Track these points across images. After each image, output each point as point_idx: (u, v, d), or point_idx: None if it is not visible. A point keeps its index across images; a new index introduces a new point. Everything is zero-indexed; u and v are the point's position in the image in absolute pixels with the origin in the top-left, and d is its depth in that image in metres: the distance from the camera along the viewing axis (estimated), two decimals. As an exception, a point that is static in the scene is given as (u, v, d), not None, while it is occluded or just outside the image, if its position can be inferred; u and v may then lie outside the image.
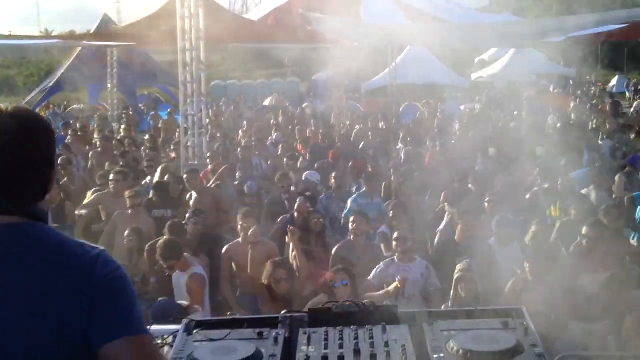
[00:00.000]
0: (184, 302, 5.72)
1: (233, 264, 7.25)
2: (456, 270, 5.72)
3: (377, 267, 6.41)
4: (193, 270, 6.36)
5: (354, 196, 9.16)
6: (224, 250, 7.26)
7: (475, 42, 16.76)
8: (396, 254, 6.48)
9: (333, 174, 9.86)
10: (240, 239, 7.24)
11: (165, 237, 6.75)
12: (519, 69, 32.50)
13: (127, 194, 8.42)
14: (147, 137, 15.51)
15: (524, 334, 2.36)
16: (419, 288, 6.23)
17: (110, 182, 9.14)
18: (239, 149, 12.57)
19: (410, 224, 7.51)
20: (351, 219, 7.27)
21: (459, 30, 14.26)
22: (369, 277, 6.32)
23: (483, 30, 14.49)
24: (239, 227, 7.22)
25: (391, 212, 7.79)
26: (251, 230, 6.97)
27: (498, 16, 20.95)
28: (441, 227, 8.08)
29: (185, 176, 9.55)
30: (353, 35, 15.87)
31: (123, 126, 18.50)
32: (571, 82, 38.08)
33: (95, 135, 16.26)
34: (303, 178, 9.93)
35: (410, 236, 6.55)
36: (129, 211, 8.30)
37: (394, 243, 6.52)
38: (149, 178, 10.81)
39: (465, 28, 14.36)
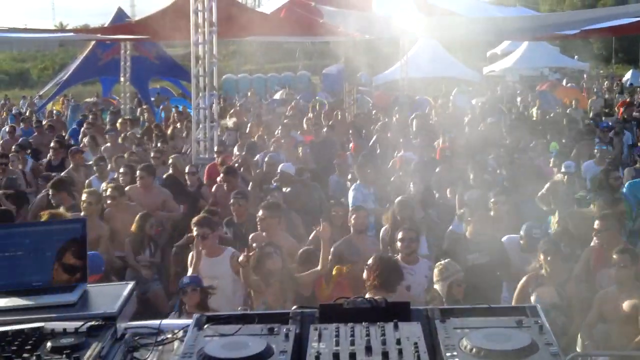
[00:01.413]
0: None
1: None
2: (447, 272, 5.66)
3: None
4: (231, 250, 6.58)
5: (355, 185, 9.05)
6: (250, 238, 7.21)
7: (488, 35, 16.64)
8: (400, 255, 6.38)
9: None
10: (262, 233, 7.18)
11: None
12: (531, 63, 32.36)
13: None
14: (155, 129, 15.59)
15: (539, 332, 2.32)
16: (423, 291, 6.14)
17: (137, 178, 9.15)
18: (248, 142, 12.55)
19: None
20: (352, 215, 7.12)
21: (471, 23, 14.16)
22: None
23: (495, 24, 14.40)
24: (259, 220, 7.16)
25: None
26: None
27: (511, 9, 20.86)
28: (453, 223, 8.10)
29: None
30: (365, 28, 15.81)
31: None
32: (585, 76, 37.86)
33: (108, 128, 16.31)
34: (278, 170, 9.75)
35: (415, 235, 6.43)
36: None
37: (399, 243, 6.40)
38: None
39: (478, 21, 14.27)
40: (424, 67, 25.19)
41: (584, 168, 10.69)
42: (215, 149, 11.49)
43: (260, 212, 7.11)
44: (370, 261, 5.62)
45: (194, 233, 6.54)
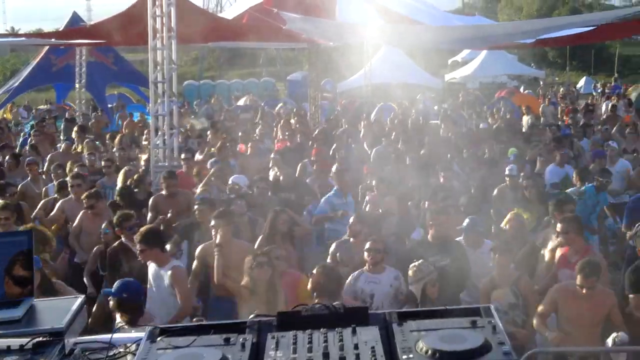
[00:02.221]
0: None
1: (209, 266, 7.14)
2: (421, 274, 5.73)
3: (348, 279, 6.34)
4: (175, 262, 6.58)
5: (327, 195, 9.11)
6: (197, 250, 7.19)
7: (448, 43, 16.88)
8: (366, 265, 6.44)
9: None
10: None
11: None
12: (490, 71, 33.06)
13: (83, 196, 8.56)
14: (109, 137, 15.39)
15: (492, 332, 2.37)
16: (389, 300, 6.19)
17: (70, 187, 9.05)
18: (213, 149, 12.48)
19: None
20: (351, 220, 7.27)
21: (433, 32, 14.34)
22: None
23: (456, 32, 14.60)
24: (213, 227, 7.11)
25: None
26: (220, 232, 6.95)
27: (470, 18, 21.20)
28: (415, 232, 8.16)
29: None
30: (328, 35, 15.86)
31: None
32: (541, 83, 38.79)
33: (61, 137, 16.05)
34: (230, 181, 9.70)
35: (382, 247, 6.46)
36: (89, 212, 8.48)
37: (365, 254, 6.44)
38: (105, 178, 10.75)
39: (439, 29, 14.45)
40: (387, 74, 25.44)
41: (547, 171, 10.96)
42: (183, 156, 11.38)
43: (213, 221, 7.07)
44: (314, 270, 5.69)
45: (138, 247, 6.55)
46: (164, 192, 9.16)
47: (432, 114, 20.90)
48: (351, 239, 7.19)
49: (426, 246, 6.85)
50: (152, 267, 6.55)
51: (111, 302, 5.37)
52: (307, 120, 18.06)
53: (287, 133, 14.29)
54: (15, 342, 2.23)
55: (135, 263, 6.90)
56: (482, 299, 6.17)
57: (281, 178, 10.17)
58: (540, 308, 5.92)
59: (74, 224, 8.75)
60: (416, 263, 5.91)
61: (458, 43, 17.66)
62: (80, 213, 8.71)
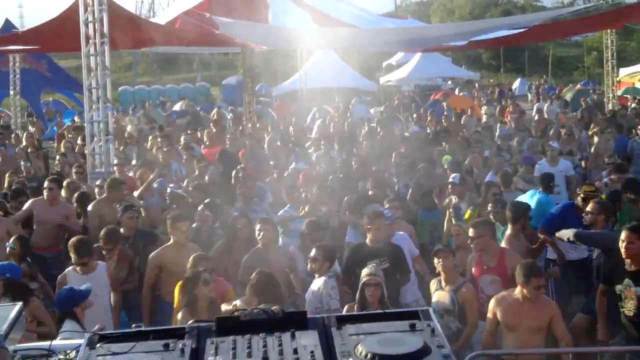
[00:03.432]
0: None
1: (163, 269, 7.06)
2: (363, 275, 5.70)
3: (320, 282, 6.30)
4: (102, 264, 6.71)
5: (282, 210, 8.95)
6: (151, 256, 7.08)
7: (383, 45, 17.06)
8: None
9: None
10: (170, 243, 7.10)
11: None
12: (425, 73, 33.48)
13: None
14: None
15: (431, 335, 2.40)
16: (310, 309, 6.08)
17: (44, 190, 8.86)
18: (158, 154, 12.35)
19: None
20: (257, 227, 7.08)
21: (367, 35, 14.45)
22: None
23: (390, 35, 14.76)
24: (170, 231, 7.08)
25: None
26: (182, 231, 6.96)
27: (403, 21, 21.50)
28: (348, 234, 8.23)
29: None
30: (261, 39, 15.83)
31: (26, 134, 17.86)
32: (476, 85, 39.52)
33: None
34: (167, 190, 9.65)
35: (321, 256, 6.37)
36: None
37: (308, 262, 6.48)
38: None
39: (373, 32, 14.58)
40: (322, 78, 25.55)
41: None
42: (115, 161, 11.20)
43: (172, 224, 7.07)
44: (252, 275, 5.72)
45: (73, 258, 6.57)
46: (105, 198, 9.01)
47: (367, 117, 21.09)
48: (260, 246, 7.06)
49: (365, 250, 6.86)
50: (74, 276, 6.50)
51: None
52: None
53: (228, 136, 14.24)
54: None
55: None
56: (429, 299, 6.26)
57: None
58: (487, 328, 5.78)
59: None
60: (371, 265, 5.88)
61: (392, 45, 17.87)
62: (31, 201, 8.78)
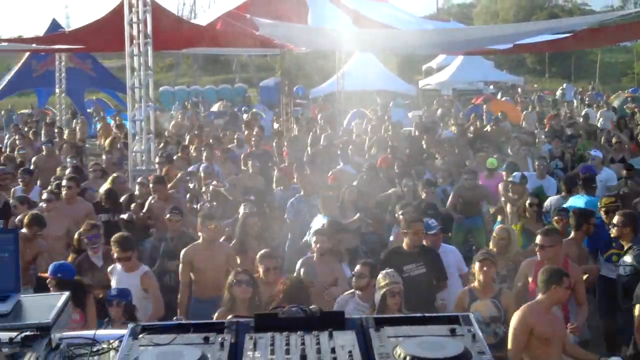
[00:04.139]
0: None
1: (194, 267, 7.16)
2: (384, 282, 5.59)
3: (337, 301, 6.26)
4: (144, 268, 6.70)
5: (291, 200, 9.16)
6: (182, 253, 7.18)
7: (424, 48, 16.93)
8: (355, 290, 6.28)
9: (295, 181, 9.87)
10: (200, 241, 7.18)
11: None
12: (466, 77, 32.97)
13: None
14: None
15: (472, 341, 2.35)
16: None
17: (62, 188, 8.97)
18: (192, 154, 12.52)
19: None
20: (313, 238, 7.07)
21: (407, 36, 14.36)
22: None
23: (431, 36, 14.64)
24: (199, 228, 7.17)
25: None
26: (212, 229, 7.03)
27: (445, 24, 21.29)
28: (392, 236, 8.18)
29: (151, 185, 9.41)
30: (300, 41, 15.89)
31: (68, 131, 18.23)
32: (519, 90, 38.80)
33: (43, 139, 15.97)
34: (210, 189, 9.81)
35: (368, 274, 6.18)
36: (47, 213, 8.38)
37: (353, 278, 6.32)
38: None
39: (414, 34, 14.48)
40: (360, 80, 25.46)
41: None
42: (157, 160, 11.36)
43: (201, 221, 7.15)
44: (281, 282, 5.76)
45: (114, 253, 6.63)
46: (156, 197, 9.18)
47: (405, 122, 20.98)
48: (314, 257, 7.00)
49: (401, 255, 6.79)
50: (119, 273, 6.62)
51: (50, 283, 5.90)
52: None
53: (253, 139, 14.34)
54: (4, 336, 2.27)
55: (98, 273, 6.99)
56: (456, 310, 6.01)
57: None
58: (519, 339, 5.47)
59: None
60: (383, 271, 5.79)
61: (433, 48, 17.68)
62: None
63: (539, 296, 5.51)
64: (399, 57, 32.91)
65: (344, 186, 9.47)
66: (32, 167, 12.13)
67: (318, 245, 6.89)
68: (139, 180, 10.17)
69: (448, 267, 6.96)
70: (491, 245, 7.33)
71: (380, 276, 5.72)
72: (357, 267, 6.31)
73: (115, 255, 6.61)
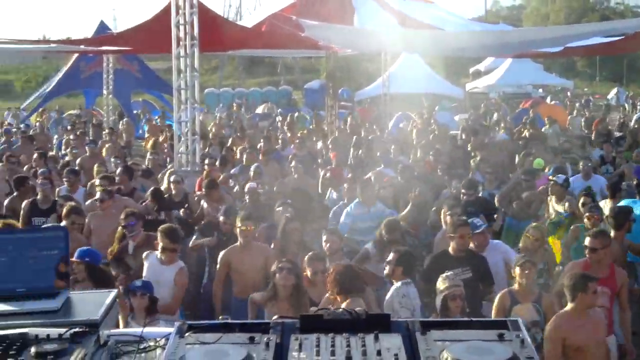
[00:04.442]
0: None
1: (231, 268, 7.26)
2: (445, 286, 5.58)
3: (392, 289, 6.22)
4: (180, 264, 6.74)
5: (348, 208, 8.80)
6: (221, 254, 7.29)
7: (472, 50, 16.74)
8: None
9: (345, 185, 9.60)
10: (238, 243, 7.26)
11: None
12: (514, 80, 32.52)
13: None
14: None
15: (520, 346, 2.30)
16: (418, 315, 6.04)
17: (97, 187, 9.17)
18: (235, 156, 12.62)
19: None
20: (324, 237, 7.08)
21: (454, 38, 14.22)
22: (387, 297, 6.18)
23: (478, 39, 14.46)
24: (238, 230, 7.23)
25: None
26: (247, 231, 7.08)
27: (494, 26, 21.02)
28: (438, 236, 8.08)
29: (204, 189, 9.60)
30: (346, 43, 15.88)
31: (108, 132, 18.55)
32: (569, 93, 38.11)
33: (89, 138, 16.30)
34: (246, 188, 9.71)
35: (393, 261, 6.22)
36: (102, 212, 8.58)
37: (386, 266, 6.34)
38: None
39: (461, 36, 14.33)
40: (406, 83, 25.30)
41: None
42: (207, 161, 11.51)
43: (239, 223, 7.19)
44: (331, 269, 5.75)
45: (159, 241, 6.67)
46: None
47: (451, 124, 20.78)
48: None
49: (447, 259, 6.74)
50: (153, 263, 6.68)
51: (78, 268, 5.96)
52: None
53: (297, 141, 14.37)
54: (54, 331, 2.30)
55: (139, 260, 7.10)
56: (497, 314, 5.97)
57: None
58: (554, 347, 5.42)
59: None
60: (444, 275, 5.78)
61: (481, 50, 17.47)
62: (90, 214, 8.74)
63: (568, 304, 5.45)
64: (446, 59, 32.60)
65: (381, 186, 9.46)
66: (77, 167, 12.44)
67: (328, 245, 6.92)
68: (172, 178, 10.33)
69: (495, 265, 6.89)
70: (522, 243, 7.29)
71: (440, 280, 5.72)
72: (390, 255, 6.30)
73: (162, 244, 6.63)
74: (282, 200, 8.77)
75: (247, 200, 9.25)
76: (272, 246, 7.54)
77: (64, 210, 7.88)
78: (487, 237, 7.32)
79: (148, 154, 13.72)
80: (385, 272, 6.32)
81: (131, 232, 7.30)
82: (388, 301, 6.16)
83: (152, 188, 9.66)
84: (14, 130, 19.35)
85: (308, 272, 6.25)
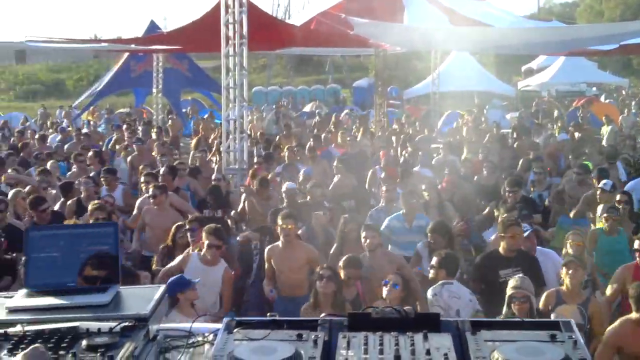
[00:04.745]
0: None
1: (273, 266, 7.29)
2: (509, 287, 5.54)
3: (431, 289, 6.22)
4: (224, 263, 6.82)
5: (388, 220, 8.50)
6: (265, 250, 7.37)
7: (522, 48, 16.44)
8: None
9: (384, 187, 9.42)
10: (280, 242, 7.29)
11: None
12: (568, 78, 31.80)
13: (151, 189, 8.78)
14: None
15: (573, 347, 2.26)
16: (468, 314, 5.94)
17: (142, 184, 9.32)
18: (282, 154, 12.67)
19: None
20: (362, 233, 7.03)
21: (505, 35, 13.98)
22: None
23: (531, 36, 14.18)
24: (279, 228, 7.26)
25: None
26: (289, 230, 7.09)
27: (546, 23, 20.61)
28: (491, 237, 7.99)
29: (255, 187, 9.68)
30: (396, 40, 15.76)
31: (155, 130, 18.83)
32: (624, 92, 37.08)
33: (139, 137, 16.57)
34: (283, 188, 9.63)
35: (435, 264, 6.22)
36: (155, 207, 8.68)
37: (431, 270, 6.33)
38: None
39: (512, 33, 14.08)
40: (456, 81, 25.03)
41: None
42: (256, 160, 11.56)
43: (279, 222, 7.21)
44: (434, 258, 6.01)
45: (205, 239, 6.73)
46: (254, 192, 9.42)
47: (502, 123, 20.47)
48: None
49: (498, 259, 6.67)
50: (196, 265, 6.71)
51: None
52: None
53: (348, 139, 14.34)
54: (104, 325, 2.34)
55: None
56: (542, 312, 5.92)
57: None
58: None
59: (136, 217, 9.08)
60: (519, 275, 5.73)
61: (534, 47, 17.10)
62: (145, 207, 8.95)
63: (632, 313, 5.30)
64: (497, 57, 32.14)
65: (421, 187, 9.35)
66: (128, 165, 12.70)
67: (368, 241, 6.90)
68: (213, 176, 10.35)
69: (545, 272, 6.74)
70: (563, 250, 7.20)
71: (511, 280, 5.72)
72: (434, 259, 6.30)
73: (207, 242, 6.68)
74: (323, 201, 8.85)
75: (285, 201, 9.24)
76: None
77: (90, 208, 8.04)
78: (534, 242, 7.21)
79: (192, 152, 13.91)
80: (430, 275, 6.31)
81: (193, 236, 7.34)
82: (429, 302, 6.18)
83: (210, 185, 9.77)
84: (69, 128, 19.77)
85: (342, 274, 6.31)
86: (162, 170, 10.33)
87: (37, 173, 10.75)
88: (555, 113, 24.55)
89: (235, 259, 7.93)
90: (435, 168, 12.04)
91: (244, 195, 9.64)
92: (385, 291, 5.82)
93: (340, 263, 6.42)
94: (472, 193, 10.31)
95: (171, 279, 6.01)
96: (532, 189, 10.75)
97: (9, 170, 10.98)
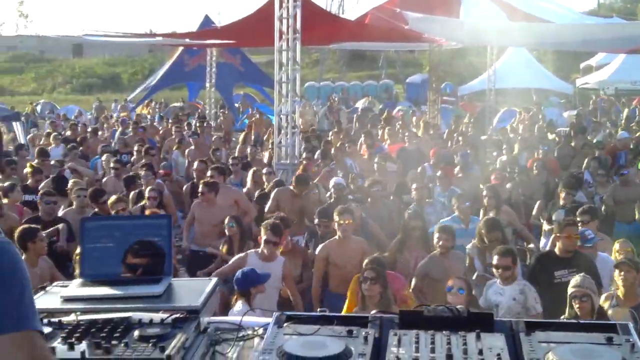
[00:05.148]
0: None
1: (329, 262, 7.26)
2: (570, 286, 5.42)
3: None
4: (282, 258, 6.83)
5: (445, 221, 8.33)
6: (319, 248, 7.34)
7: (581, 45, 16.05)
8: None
9: (414, 185, 9.44)
10: (335, 237, 7.27)
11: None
12: (628, 76, 30.87)
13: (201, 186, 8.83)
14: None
15: (630, 351, 2.20)
16: (512, 314, 5.83)
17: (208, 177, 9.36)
18: (332, 150, 12.65)
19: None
20: (436, 235, 6.99)
21: (564, 32, 13.67)
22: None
23: (590, 33, 13.83)
24: (336, 224, 7.23)
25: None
26: (346, 225, 7.06)
27: (607, 20, 20.07)
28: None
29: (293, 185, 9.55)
30: (452, 35, 15.57)
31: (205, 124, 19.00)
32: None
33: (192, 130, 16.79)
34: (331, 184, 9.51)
35: (509, 264, 6.06)
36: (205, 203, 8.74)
37: (494, 270, 6.21)
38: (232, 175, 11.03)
39: (571, 30, 13.76)
40: (512, 78, 24.61)
41: None
42: (304, 155, 11.62)
43: (336, 217, 7.18)
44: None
45: (262, 235, 6.74)
46: (291, 189, 9.33)
47: (560, 121, 20.03)
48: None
49: (553, 259, 6.58)
50: (254, 262, 6.65)
51: None
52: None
53: (406, 134, 14.26)
54: (156, 316, 2.38)
55: None
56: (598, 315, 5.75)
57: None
58: None
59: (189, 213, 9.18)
60: (582, 274, 5.59)
61: (594, 44, 16.69)
62: (195, 202, 9.08)
63: None
64: (555, 54, 31.41)
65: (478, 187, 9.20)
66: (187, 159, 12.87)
67: (441, 242, 6.85)
68: (265, 170, 10.45)
69: (602, 277, 6.56)
70: (612, 257, 6.96)
71: (573, 278, 5.62)
72: (496, 260, 6.11)
73: (265, 237, 6.68)
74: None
75: (333, 196, 9.16)
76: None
77: (109, 201, 8.22)
78: (596, 252, 7.01)
79: (238, 146, 14.00)
80: (502, 275, 6.11)
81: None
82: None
83: (275, 180, 9.84)
84: (129, 122, 20.20)
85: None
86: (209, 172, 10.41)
87: (140, 168, 10.74)
88: (626, 112, 23.81)
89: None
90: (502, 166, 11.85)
91: (274, 192, 9.35)
92: (449, 297, 5.70)
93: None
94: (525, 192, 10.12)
95: (243, 271, 5.99)
96: (595, 191, 10.47)
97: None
